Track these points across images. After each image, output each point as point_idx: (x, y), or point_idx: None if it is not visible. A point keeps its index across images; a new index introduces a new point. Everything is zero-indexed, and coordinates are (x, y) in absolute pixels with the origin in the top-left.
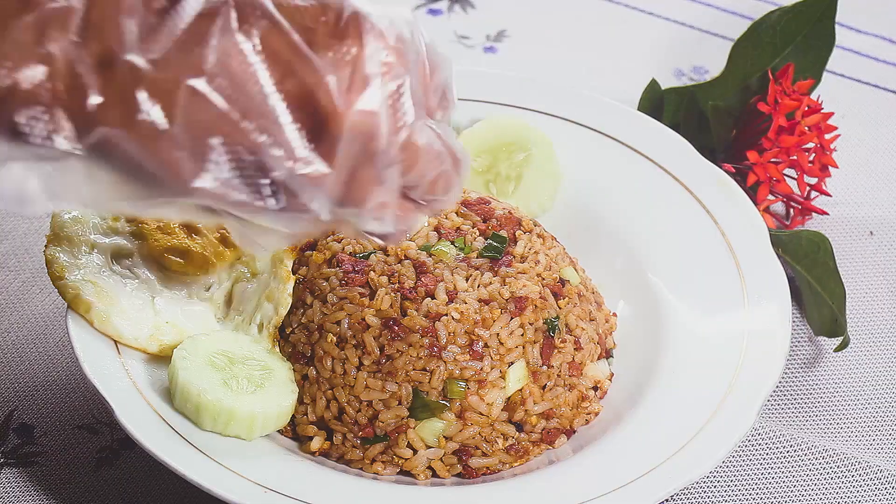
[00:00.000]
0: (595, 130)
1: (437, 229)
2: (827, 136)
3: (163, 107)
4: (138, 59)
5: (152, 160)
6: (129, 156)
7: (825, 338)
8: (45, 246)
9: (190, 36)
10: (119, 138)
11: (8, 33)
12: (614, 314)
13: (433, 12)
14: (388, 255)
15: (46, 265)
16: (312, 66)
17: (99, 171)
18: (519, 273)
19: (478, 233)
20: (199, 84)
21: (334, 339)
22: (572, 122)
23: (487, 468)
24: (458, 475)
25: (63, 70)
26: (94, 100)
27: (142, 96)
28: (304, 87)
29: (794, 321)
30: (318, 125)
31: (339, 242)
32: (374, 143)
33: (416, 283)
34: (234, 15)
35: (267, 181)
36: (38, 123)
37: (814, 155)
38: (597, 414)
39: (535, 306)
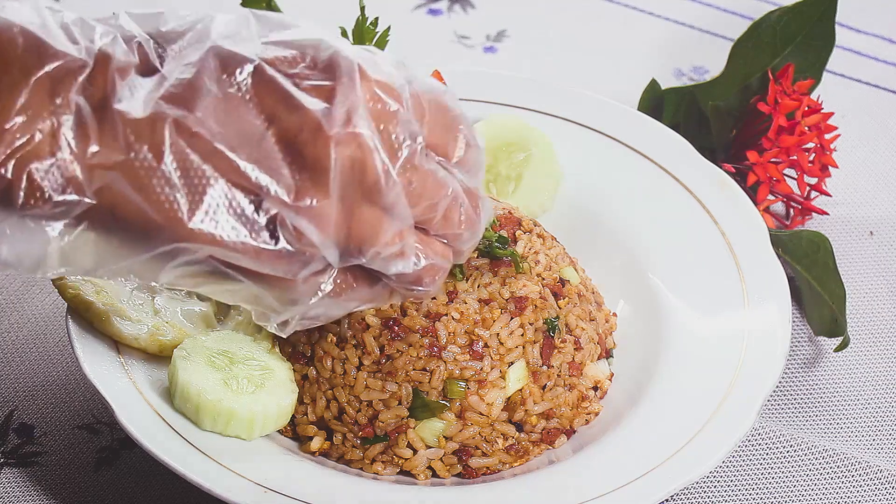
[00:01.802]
0: (595, 130)
1: None
2: (827, 136)
3: (150, 147)
4: (127, 108)
5: (149, 202)
6: (129, 201)
7: (825, 338)
8: None
9: (175, 89)
10: (116, 181)
11: (26, 88)
12: (614, 314)
13: (433, 12)
14: None
15: None
16: (297, 105)
17: (106, 232)
18: (519, 273)
19: None
20: (186, 121)
21: (334, 339)
22: (572, 122)
23: (487, 468)
24: (458, 475)
25: (74, 120)
26: (94, 148)
27: (130, 137)
28: (290, 124)
29: (794, 321)
30: (309, 160)
31: None
32: (368, 173)
33: None
34: (215, 64)
35: (264, 219)
36: (53, 175)
37: (814, 155)
38: (597, 414)
39: (535, 306)
